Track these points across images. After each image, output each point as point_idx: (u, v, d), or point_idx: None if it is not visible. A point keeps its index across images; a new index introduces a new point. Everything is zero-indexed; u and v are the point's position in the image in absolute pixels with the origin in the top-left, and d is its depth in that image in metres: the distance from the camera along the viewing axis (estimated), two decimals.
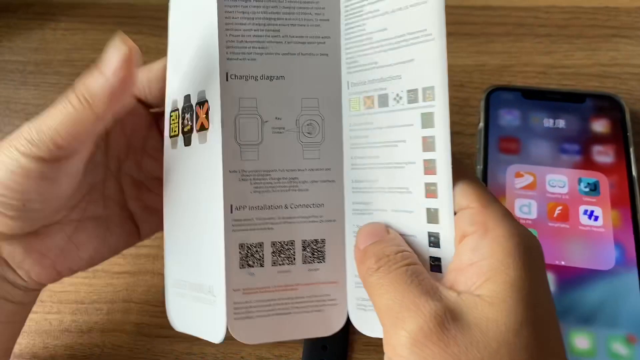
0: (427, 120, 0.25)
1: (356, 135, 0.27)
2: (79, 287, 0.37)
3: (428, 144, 0.24)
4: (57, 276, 0.30)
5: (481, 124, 0.39)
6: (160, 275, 0.37)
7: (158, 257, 0.37)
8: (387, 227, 0.26)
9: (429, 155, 0.24)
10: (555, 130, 0.39)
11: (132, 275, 0.37)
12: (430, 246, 0.25)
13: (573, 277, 0.34)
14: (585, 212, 0.36)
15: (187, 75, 0.28)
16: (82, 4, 0.49)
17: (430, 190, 0.24)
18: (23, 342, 0.35)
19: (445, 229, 0.24)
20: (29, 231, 0.28)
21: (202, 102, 0.27)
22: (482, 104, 0.40)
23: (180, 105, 0.29)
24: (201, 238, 0.27)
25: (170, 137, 0.30)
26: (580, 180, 0.37)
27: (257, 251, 0.27)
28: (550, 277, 0.34)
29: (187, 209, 0.28)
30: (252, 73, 0.27)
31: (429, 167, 0.24)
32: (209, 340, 0.26)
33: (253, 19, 0.27)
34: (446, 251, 0.24)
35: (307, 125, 0.28)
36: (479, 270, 0.22)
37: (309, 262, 0.28)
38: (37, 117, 0.25)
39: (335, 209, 0.28)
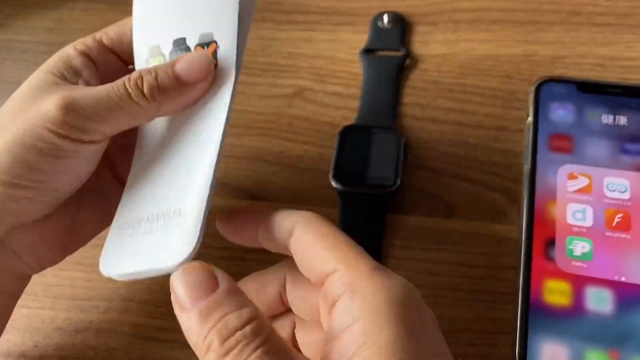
0: None
1: None
2: (75, 282, 0.34)
3: None
4: (64, 257, 0.29)
5: (530, 119, 0.34)
6: None
7: None
8: (212, 270, 0.22)
9: None
10: (615, 127, 0.34)
11: None
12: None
13: (634, 296, 0.29)
14: None
15: (174, 20, 0.28)
16: None
17: None
18: (12, 339, 0.32)
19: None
20: (47, 214, 0.27)
21: (206, 43, 0.27)
22: (532, 97, 0.35)
23: (167, 50, 0.28)
24: (183, 166, 0.26)
25: None
26: None
27: None
28: (607, 295, 0.29)
29: (171, 143, 0.27)
30: None
31: None
32: (162, 265, 0.23)
33: None
34: None
35: None
36: (352, 336, 0.20)
37: None
38: (77, 95, 0.25)
39: None
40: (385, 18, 0.41)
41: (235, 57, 0.26)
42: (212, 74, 0.26)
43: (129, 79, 0.25)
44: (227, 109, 0.26)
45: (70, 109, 0.24)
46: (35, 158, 0.25)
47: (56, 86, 0.26)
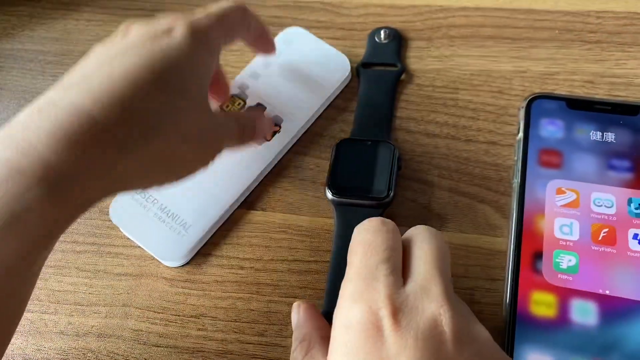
0: None
1: None
2: (78, 287, 0.35)
3: None
4: None
5: (520, 135, 0.36)
6: (164, 279, 0.34)
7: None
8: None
9: None
10: (603, 144, 0.35)
11: (134, 278, 0.35)
12: None
13: (619, 309, 0.30)
14: (636, 236, 0.32)
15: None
16: None
17: None
18: (16, 343, 0.33)
19: None
20: None
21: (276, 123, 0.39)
22: (522, 112, 0.36)
23: (250, 102, 0.40)
24: (208, 191, 0.36)
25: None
26: (630, 201, 0.33)
27: None
28: (591, 308, 0.30)
29: (218, 166, 0.34)
30: None
31: None
32: (158, 256, 0.35)
33: None
34: None
35: None
36: None
37: None
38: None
39: None
40: (382, 34, 0.42)
41: (290, 137, 0.38)
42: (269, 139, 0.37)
43: (241, 126, 0.32)
44: (265, 164, 0.37)
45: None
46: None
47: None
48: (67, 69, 0.44)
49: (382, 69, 0.41)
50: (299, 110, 0.38)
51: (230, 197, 0.36)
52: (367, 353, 0.22)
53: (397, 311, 0.22)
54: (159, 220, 0.35)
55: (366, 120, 0.38)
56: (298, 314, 0.28)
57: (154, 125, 0.25)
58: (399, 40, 0.42)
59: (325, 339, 0.26)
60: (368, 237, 0.25)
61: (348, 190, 0.35)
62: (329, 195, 0.35)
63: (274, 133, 0.38)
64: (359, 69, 0.41)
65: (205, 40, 0.29)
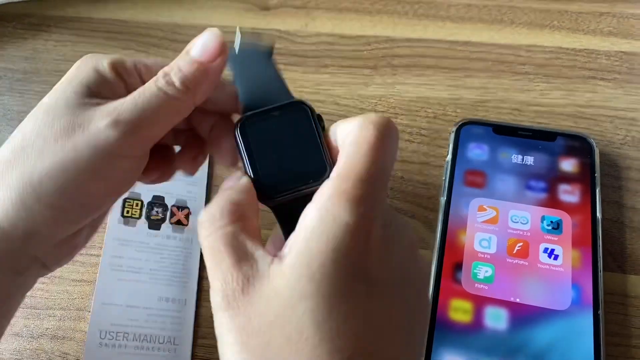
0: None
1: None
2: (35, 292, 0.37)
3: None
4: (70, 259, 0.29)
5: (449, 157, 0.39)
6: None
7: None
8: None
9: None
10: (522, 166, 0.39)
11: (88, 284, 0.37)
12: None
13: (527, 315, 0.33)
14: (546, 250, 0.35)
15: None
16: (76, 17, 0.50)
17: None
18: None
19: None
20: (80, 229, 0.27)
21: (182, 207, 0.39)
22: (452, 136, 0.40)
23: (145, 200, 0.39)
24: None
25: (123, 216, 0.39)
26: (543, 218, 0.36)
27: None
28: (503, 314, 0.33)
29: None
30: None
31: None
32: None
33: None
34: None
35: None
36: (296, 235, 0.22)
37: None
38: (122, 109, 0.24)
39: None
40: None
41: None
42: (226, 47, 0.26)
43: (157, 80, 0.25)
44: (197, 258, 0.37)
45: (120, 121, 0.24)
46: (88, 181, 0.24)
47: (93, 105, 0.25)
48: (34, 87, 0.47)
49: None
50: None
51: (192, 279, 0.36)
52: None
53: None
54: (143, 350, 0.35)
55: (252, 83, 0.29)
56: (238, 180, 0.25)
57: None
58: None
59: (256, 218, 0.24)
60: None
61: (281, 185, 0.25)
62: (262, 200, 0.25)
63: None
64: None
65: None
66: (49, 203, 0.24)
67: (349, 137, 0.23)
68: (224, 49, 0.26)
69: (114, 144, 0.24)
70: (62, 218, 0.25)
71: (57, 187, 0.24)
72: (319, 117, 0.27)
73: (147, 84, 0.25)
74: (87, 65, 0.26)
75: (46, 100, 0.26)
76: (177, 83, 0.25)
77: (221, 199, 0.24)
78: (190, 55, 0.26)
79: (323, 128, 0.26)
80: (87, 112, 0.25)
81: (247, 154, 0.26)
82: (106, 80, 0.26)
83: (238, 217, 0.23)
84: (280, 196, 0.25)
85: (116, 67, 0.27)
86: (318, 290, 0.20)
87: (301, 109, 0.26)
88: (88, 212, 0.26)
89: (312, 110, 0.26)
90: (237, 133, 0.26)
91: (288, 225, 0.24)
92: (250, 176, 0.25)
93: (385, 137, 0.23)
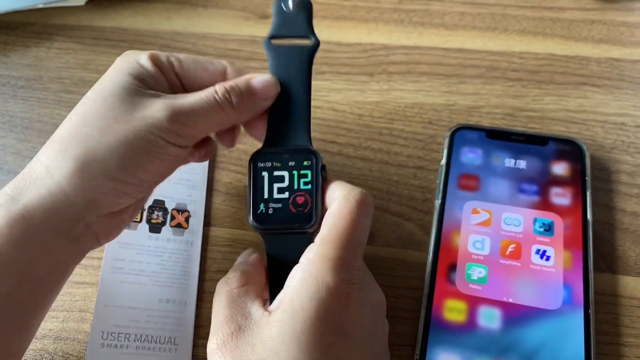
0: None
1: None
2: None
3: None
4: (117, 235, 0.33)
5: (443, 161, 0.40)
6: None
7: None
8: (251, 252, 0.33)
9: None
10: (515, 170, 0.39)
11: (90, 286, 0.38)
12: None
13: (519, 315, 0.34)
14: (538, 251, 0.36)
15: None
16: (77, 26, 0.51)
17: None
18: None
19: None
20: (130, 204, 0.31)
21: (182, 210, 0.40)
22: (447, 141, 0.41)
23: (146, 203, 0.39)
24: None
25: None
26: (535, 220, 0.37)
27: None
28: (496, 313, 0.34)
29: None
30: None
31: None
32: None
33: None
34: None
35: None
36: (284, 294, 0.27)
37: None
38: (179, 104, 0.29)
39: None
40: (291, 2, 0.33)
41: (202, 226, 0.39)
42: (276, 91, 0.32)
43: (218, 92, 0.30)
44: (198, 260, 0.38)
45: (176, 118, 0.28)
46: (144, 160, 0.28)
47: (146, 94, 0.29)
48: (37, 94, 0.48)
49: (294, 44, 0.33)
50: None
51: (192, 281, 0.37)
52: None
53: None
54: (144, 351, 0.35)
55: (281, 116, 0.32)
56: (249, 256, 0.32)
57: None
58: (308, 8, 0.33)
59: (262, 284, 0.30)
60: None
61: (271, 219, 0.30)
62: (253, 223, 0.31)
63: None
64: (267, 44, 0.33)
65: None
66: (112, 176, 0.28)
67: (334, 205, 0.28)
68: (275, 95, 0.32)
69: (168, 134, 0.28)
70: (121, 190, 0.28)
71: (120, 162, 0.28)
72: (323, 168, 0.31)
73: (206, 92, 0.30)
74: (130, 59, 0.30)
75: (98, 88, 0.29)
76: (234, 101, 0.30)
77: (235, 269, 0.31)
78: (251, 84, 0.31)
79: (324, 178, 0.31)
80: (142, 99, 0.29)
81: (252, 183, 0.31)
82: (148, 71, 0.30)
83: (245, 282, 0.29)
84: (270, 228, 0.31)
85: (155, 60, 0.31)
86: (299, 341, 0.25)
87: (310, 158, 0.31)
88: (142, 188, 0.30)
89: (318, 160, 0.31)
90: (250, 164, 0.31)
91: (270, 250, 0.31)
92: (249, 202, 0.31)
93: (361, 215, 0.28)
